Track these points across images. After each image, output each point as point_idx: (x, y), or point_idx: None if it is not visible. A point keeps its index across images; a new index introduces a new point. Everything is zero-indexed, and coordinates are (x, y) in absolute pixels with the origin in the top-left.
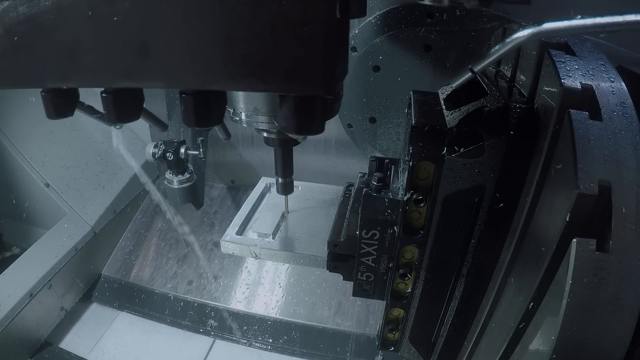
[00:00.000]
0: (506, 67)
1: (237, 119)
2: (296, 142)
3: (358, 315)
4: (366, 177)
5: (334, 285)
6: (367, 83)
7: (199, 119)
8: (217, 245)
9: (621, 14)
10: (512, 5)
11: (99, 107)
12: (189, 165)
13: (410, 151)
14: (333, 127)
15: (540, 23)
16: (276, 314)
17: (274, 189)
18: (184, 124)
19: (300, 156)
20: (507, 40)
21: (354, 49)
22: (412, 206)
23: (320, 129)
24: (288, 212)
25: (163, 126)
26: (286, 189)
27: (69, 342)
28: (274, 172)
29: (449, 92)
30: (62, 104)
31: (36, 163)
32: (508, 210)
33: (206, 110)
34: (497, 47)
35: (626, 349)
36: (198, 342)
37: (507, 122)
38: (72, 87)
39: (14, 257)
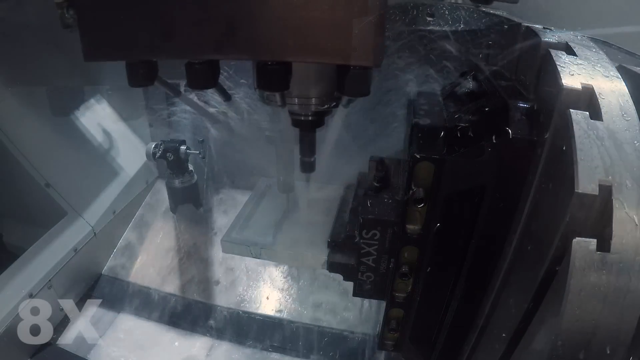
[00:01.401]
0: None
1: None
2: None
3: (358, 315)
4: (366, 177)
5: (334, 286)
6: None
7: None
8: (217, 245)
9: (619, 25)
10: (512, 5)
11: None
12: (189, 165)
13: (410, 151)
14: (333, 127)
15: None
16: (276, 314)
17: (273, 189)
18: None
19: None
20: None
21: None
22: (412, 206)
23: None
24: (288, 212)
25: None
26: (308, 168)
27: (69, 342)
28: (273, 172)
29: (449, 92)
30: (146, 73)
31: (36, 163)
32: (508, 210)
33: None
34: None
35: (627, 349)
36: (198, 342)
37: (507, 122)
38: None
39: (14, 257)
